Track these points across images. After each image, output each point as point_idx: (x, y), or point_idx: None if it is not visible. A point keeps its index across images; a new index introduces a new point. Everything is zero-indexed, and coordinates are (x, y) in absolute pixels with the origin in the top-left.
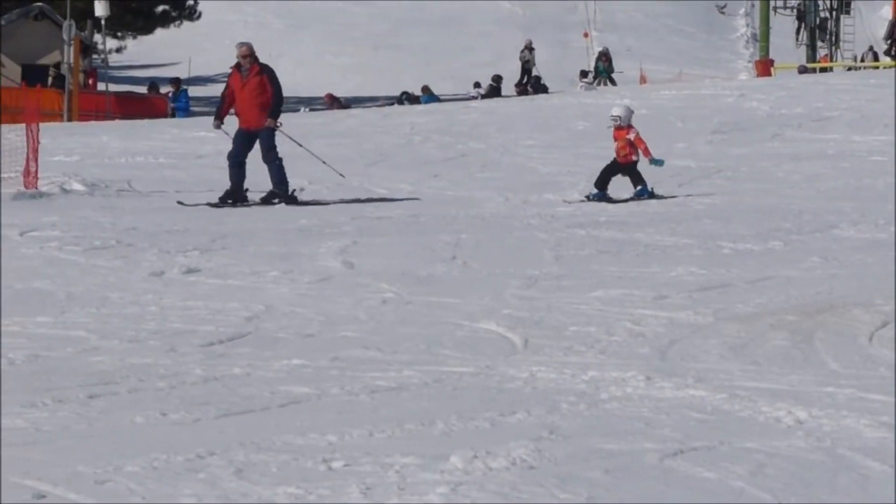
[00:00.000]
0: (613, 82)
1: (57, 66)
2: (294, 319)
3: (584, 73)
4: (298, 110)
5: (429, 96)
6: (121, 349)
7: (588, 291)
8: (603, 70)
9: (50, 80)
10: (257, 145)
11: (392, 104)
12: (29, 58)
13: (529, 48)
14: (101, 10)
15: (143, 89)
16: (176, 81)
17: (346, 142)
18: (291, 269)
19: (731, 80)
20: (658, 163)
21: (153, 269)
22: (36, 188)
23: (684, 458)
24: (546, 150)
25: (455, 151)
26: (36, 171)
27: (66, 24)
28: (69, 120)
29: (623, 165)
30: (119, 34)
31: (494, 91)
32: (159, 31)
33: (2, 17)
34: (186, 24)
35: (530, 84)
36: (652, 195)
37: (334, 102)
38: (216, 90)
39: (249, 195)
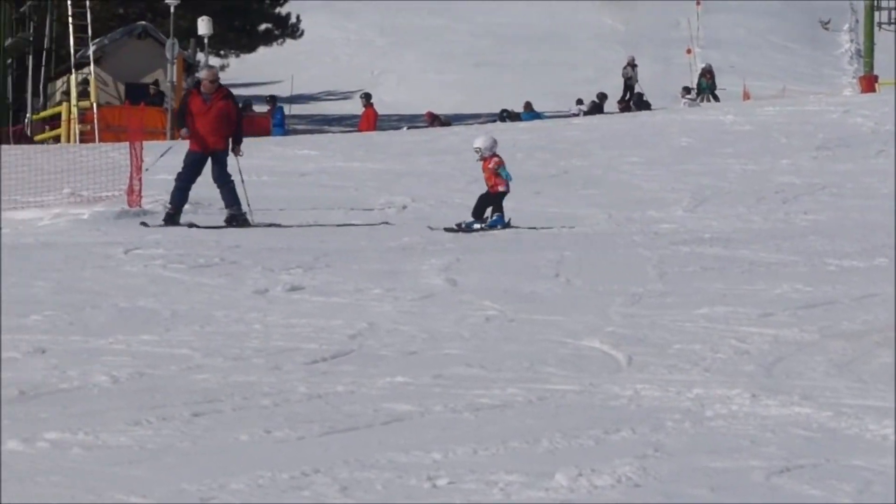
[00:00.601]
0: (717, 98)
1: (156, 83)
2: (397, 337)
3: (686, 90)
4: (400, 128)
5: (530, 113)
6: (225, 367)
7: (692, 309)
8: (706, 86)
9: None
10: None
11: (494, 121)
12: (132, 76)
13: (632, 65)
14: (204, 28)
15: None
16: (272, 99)
17: (447, 159)
18: (395, 287)
19: (836, 96)
20: (496, 222)
21: (257, 287)
22: (140, 206)
23: (790, 476)
24: (649, 166)
25: (557, 168)
26: (140, 190)
27: (169, 42)
28: (172, 138)
29: (492, 196)
30: (222, 52)
31: (597, 108)
32: (262, 50)
33: (106, 35)
34: (289, 42)
35: (633, 101)
36: (507, 225)
37: (435, 120)
38: (318, 108)
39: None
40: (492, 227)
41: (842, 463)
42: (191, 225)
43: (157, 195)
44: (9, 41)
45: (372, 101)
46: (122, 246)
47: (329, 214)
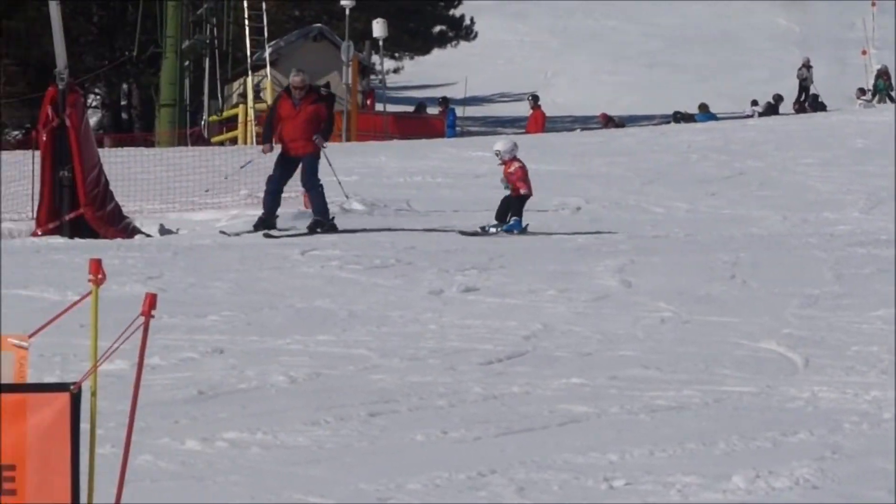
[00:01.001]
0: (892, 100)
1: (327, 84)
2: (572, 338)
3: (862, 91)
4: (574, 130)
5: (705, 114)
6: (401, 367)
7: (869, 311)
8: (882, 87)
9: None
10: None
11: (668, 122)
12: (309, 78)
13: (807, 66)
14: (379, 30)
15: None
16: (444, 101)
17: (622, 160)
18: (569, 288)
19: None
20: (513, 227)
21: (432, 288)
22: None
23: None
24: (824, 168)
25: (732, 170)
26: None
27: (344, 44)
28: (348, 140)
29: (514, 198)
30: (396, 55)
31: (772, 109)
32: (436, 52)
33: (282, 38)
34: (462, 44)
35: (808, 102)
36: (524, 231)
37: (609, 122)
38: (492, 110)
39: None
40: (508, 231)
41: None
42: (267, 235)
43: (333, 197)
44: (186, 43)
45: (540, 102)
46: (299, 247)
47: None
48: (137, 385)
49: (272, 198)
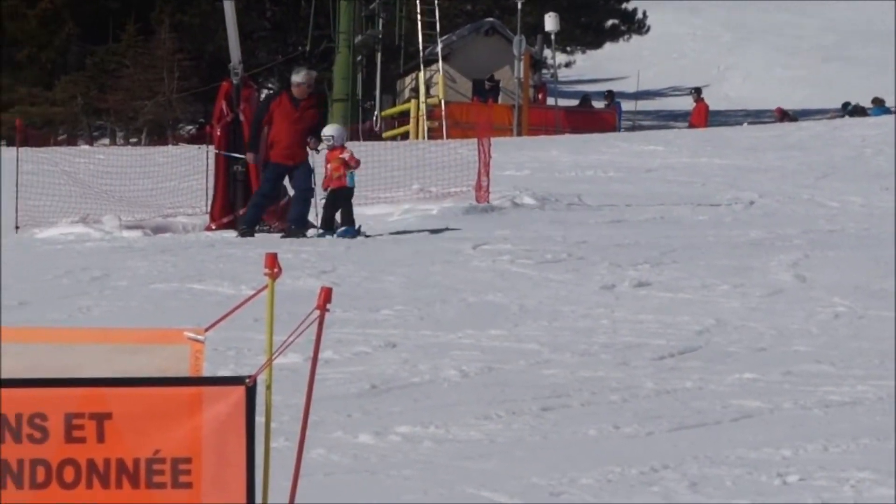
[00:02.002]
0: None
1: (490, 77)
2: (745, 333)
3: None
4: (741, 124)
5: (879, 108)
6: (573, 362)
7: None
8: None
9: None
10: None
11: (842, 116)
12: (480, 73)
13: None
14: (551, 24)
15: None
16: (609, 95)
17: (795, 154)
18: (742, 283)
19: None
20: (346, 233)
21: (604, 283)
22: (487, 202)
23: None
24: None
25: None
26: (487, 186)
27: (516, 39)
28: (519, 134)
29: (335, 191)
30: (568, 49)
31: None
32: (608, 46)
33: (454, 32)
34: (635, 38)
35: None
36: (357, 233)
37: (784, 116)
38: (664, 104)
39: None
40: (341, 236)
41: None
42: (244, 233)
43: (504, 191)
44: (358, 38)
45: (703, 95)
46: (471, 241)
47: (675, 210)
48: (312, 379)
49: (257, 211)
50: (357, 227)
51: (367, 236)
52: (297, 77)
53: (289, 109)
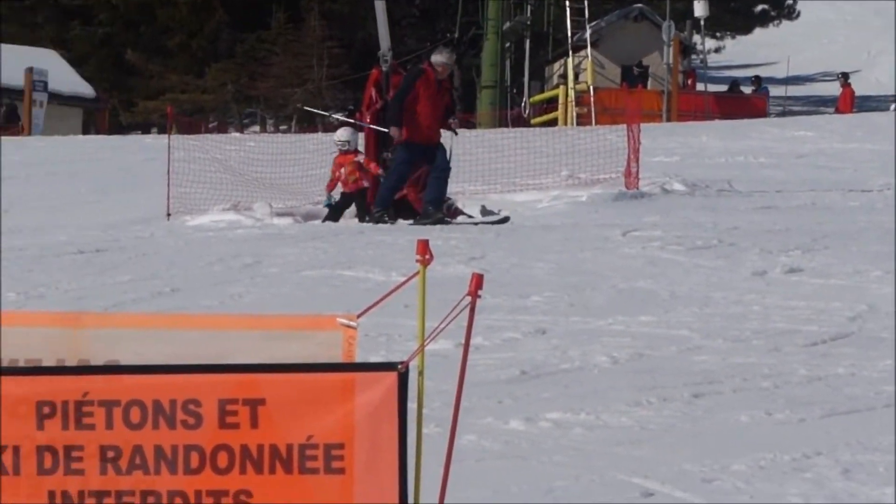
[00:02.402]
0: None
1: (639, 63)
2: None
3: None
4: (886, 109)
5: None
6: (724, 348)
7: None
8: None
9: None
10: None
11: None
12: (628, 59)
13: None
14: (700, 10)
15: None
16: (756, 80)
17: None
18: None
19: None
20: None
21: (755, 269)
22: (637, 188)
23: None
24: None
25: None
26: (637, 172)
27: (665, 24)
28: (668, 120)
29: (352, 193)
30: (718, 34)
31: None
32: (757, 31)
33: (602, 18)
34: (785, 23)
35: None
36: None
37: None
38: (814, 90)
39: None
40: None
41: None
42: (378, 217)
43: (654, 177)
44: (507, 25)
45: (850, 80)
46: (620, 227)
47: (826, 196)
48: (464, 365)
49: (391, 195)
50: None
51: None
52: (441, 57)
53: (433, 89)
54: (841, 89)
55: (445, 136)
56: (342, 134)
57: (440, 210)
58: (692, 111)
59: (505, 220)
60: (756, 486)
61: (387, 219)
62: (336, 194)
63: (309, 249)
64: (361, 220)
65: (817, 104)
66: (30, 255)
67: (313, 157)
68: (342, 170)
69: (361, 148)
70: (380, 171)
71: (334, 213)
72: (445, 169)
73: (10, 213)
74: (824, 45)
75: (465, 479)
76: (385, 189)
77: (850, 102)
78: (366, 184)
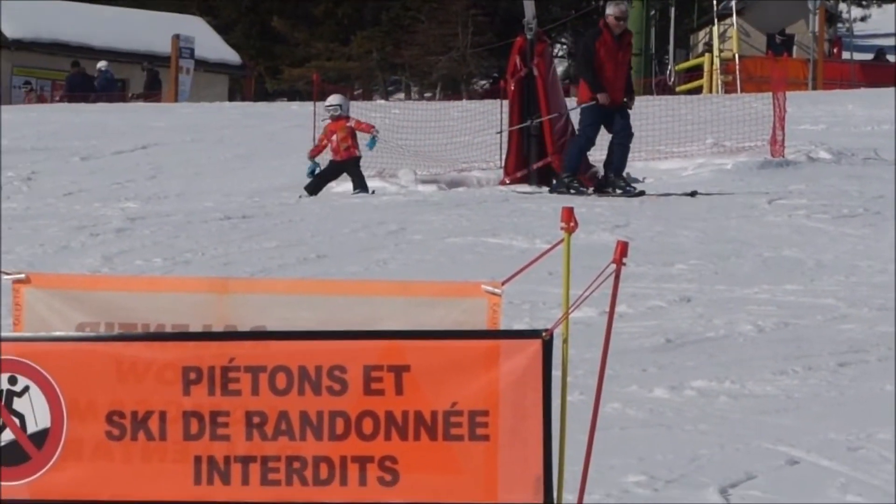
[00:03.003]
0: None
1: (782, 31)
2: None
3: None
4: None
5: None
6: (870, 317)
7: None
8: None
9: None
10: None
11: None
12: (773, 27)
13: None
14: None
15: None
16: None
17: None
18: None
19: None
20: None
21: None
22: (782, 156)
23: None
24: None
25: None
26: (783, 140)
27: None
28: (814, 89)
29: (343, 162)
30: (864, 3)
31: None
32: None
33: None
34: None
35: None
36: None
37: None
38: None
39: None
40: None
41: None
42: (569, 183)
43: (799, 146)
44: None
45: None
46: (766, 196)
47: None
48: (609, 333)
49: (580, 156)
50: (372, 191)
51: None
52: (613, 9)
53: (612, 46)
54: None
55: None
56: (333, 98)
57: (621, 179)
58: (838, 79)
59: (640, 193)
60: None
61: (576, 184)
62: (323, 161)
63: (453, 216)
64: (357, 188)
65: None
66: (176, 221)
67: (458, 124)
68: (334, 136)
69: (352, 113)
70: (374, 129)
71: (318, 181)
72: (628, 135)
73: (157, 178)
74: None
75: (609, 447)
76: (573, 154)
77: None
78: (358, 152)
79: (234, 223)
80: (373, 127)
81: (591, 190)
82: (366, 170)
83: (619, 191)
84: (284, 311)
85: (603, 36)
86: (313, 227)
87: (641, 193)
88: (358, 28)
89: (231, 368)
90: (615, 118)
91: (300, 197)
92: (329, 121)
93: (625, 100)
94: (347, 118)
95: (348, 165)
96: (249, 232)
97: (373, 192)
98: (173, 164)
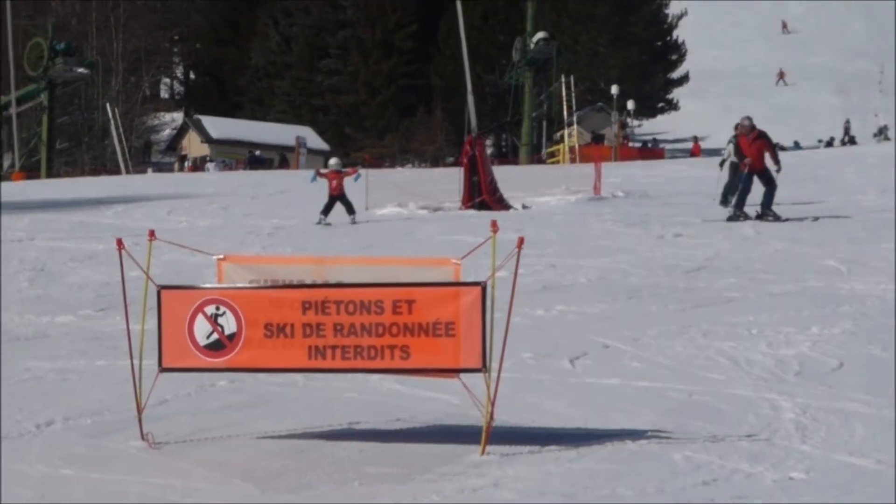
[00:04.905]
0: None
1: (598, 132)
2: None
3: None
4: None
5: None
6: (644, 274)
7: None
8: None
9: None
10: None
11: None
12: (594, 129)
13: None
14: (614, 90)
15: None
16: (654, 141)
17: None
18: None
19: None
20: (356, 178)
21: (658, 234)
22: (600, 195)
23: None
24: None
25: None
26: (600, 187)
27: (613, 113)
28: (615, 160)
29: (337, 196)
30: (639, 118)
31: None
32: (659, 117)
33: (581, 109)
34: (672, 112)
35: None
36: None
37: None
38: (688, 145)
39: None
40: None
41: None
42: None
43: (608, 189)
44: (534, 114)
45: (699, 140)
46: (592, 214)
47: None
48: (514, 283)
49: (744, 201)
50: (355, 214)
51: (356, 223)
52: (740, 123)
53: (748, 141)
54: (692, 145)
55: (770, 166)
56: (335, 160)
57: (770, 211)
58: (628, 157)
59: (784, 219)
60: None
61: (743, 218)
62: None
63: (437, 225)
64: (349, 212)
65: (687, 152)
66: (298, 229)
67: (438, 179)
68: (333, 181)
69: (371, 175)
70: (357, 171)
71: (326, 209)
72: (773, 186)
73: (288, 207)
74: (693, 123)
75: (516, 339)
76: (740, 199)
77: (698, 151)
78: (344, 191)
79: (325, 230)
80: (357, 170)
81: (753, 216)
82: (392, 202)
83: (770, 218)
84: (353, 274)
85: (740, 138)
86: (361, 233)
87: (784, 219)
88: (387, 132)
89: (326, 302)
90: (762, 176)
91: (318, 222)
92: (329, 171)
93: (766, 167)
94: (340, 172)
95: (340, 198)
96: (335, 235)
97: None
98: (295, 200)
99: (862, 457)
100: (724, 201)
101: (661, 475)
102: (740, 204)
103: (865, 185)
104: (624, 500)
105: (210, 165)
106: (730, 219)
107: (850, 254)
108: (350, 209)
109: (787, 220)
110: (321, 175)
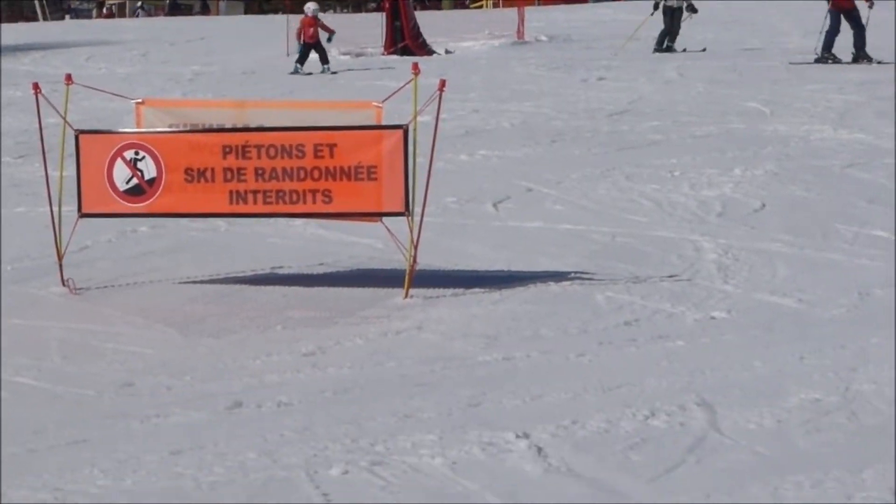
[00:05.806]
0: None
1: None
2: None
3: None
4: None
5: None
6: (567, 118)
7: None
8: None
9: None
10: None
11: None
12: None
13: None
14: None
15: None
16: None
17: None
18: None
19: None
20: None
21: (581, 77)
22: (523, 39)
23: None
24: None
25: None
26: (523, 31)
27: None
28: (539, 5)
29: (312, 43)
30: None
31: None
32: None
33: None
34: None
35: None
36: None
37: None
38: None
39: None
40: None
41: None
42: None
43: (531, 33)
44: None
45: None
46: (515, 59)
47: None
48: (436, 127)
49: (832, 43)
50: (329, 63)
51: (335, 73)
52: None
53: None
54: None
55: (862, 5)
56: (311, 4)
57: (865, 53)
58: (551, 1)
59: (878, 62)
60: None
61: (831, 60)
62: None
63: (361, 71)
64: (323, 61)
65: None
66: (218, 75)
67: (361, 24)
68: (309, 29)
69: (319, 14)
70: (333, 31)
71: (301, 57)
72: (862, 28)
73: (209, 54)
74: None
75: (439, 183)
76: (828, 40)
77: None
78: (319, 38)
79: (247, 76)
80: (333, 31)
81: (843, 61)
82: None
83: (865, 61)
84: (276, 118)
85: None
86: (282, 78)
87: (877, 62)
88: None
89: (247, 146)
90: (850, 18)
91: (294, 71)
92: (305, 17)
93: (855, 6)
94: (317, 18)
95: (316, 46)
96: (257, 81)
97: (329, 65)
98: (216, 47)
99: (784, 296)
100: (661, 47)
101: (584, 316)
102: (828, 46)
103: (790, 28)
104: (546, 340)
105: (140, 11)
106: (817, 60)
107: (773, 95)
108: (324, 58)
109: (880, 62)
110: (300, 36)
